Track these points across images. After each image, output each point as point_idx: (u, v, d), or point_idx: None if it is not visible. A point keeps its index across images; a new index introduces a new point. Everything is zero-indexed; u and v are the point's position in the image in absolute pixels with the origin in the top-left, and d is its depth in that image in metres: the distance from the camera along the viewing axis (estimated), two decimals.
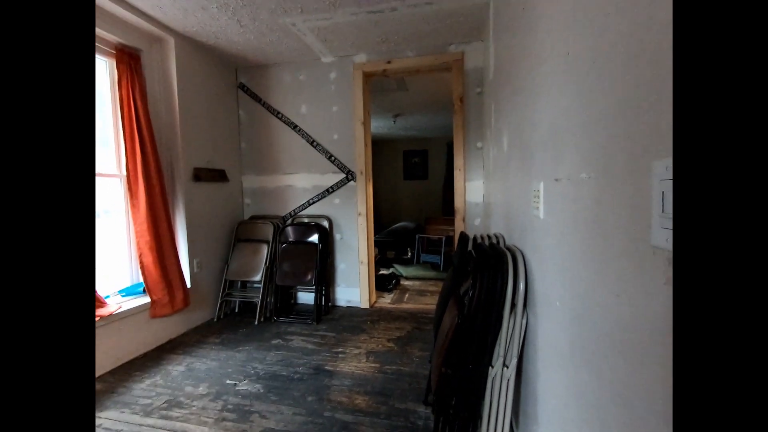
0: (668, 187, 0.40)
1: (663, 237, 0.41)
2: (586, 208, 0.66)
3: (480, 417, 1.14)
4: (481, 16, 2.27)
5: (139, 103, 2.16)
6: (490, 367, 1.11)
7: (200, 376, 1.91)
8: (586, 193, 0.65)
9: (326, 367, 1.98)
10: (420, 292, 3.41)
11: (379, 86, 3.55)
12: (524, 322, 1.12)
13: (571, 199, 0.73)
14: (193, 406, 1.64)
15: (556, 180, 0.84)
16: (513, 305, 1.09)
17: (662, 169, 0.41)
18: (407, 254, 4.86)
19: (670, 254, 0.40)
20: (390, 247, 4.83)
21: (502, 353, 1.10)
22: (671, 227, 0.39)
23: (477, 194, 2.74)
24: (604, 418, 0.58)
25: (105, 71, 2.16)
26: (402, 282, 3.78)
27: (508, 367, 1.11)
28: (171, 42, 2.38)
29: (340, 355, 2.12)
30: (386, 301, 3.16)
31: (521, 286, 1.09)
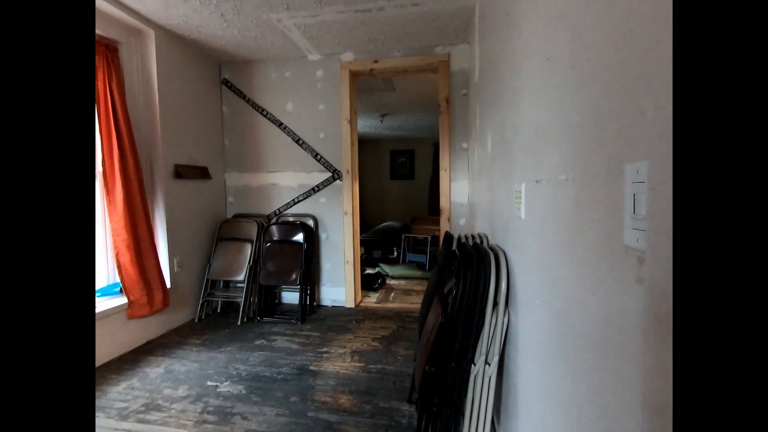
0: (640, 189, 0.42)
1: (634, 237, 0.43)
2: (564, 209, 0.68)
3: (462, 414, 1.15)
4: (466, 19, 2.29)
5: (116, 96, 2.09)
6: (473, 365, 1.13)
7: (180, 378, 1.87)
8: (565, 195, 0.67)
9: (310, 367, 1.96)
10: (406, 292, 3.42)
11: (366, 85, 3.54)
12: (506, 320, 1.14)
13: (551, 200, 0.75)
14: (172, 408, 1.60)
15: (537, 181, 0.86)
16: (495, 304, 1.11)
17: (633, 172, 0.43)
18: (393, 254, 4.87)
19: (641, 254, 0.42)
20: (376, 246, 4.84)
21: (484, 351, 1.12)
22: (643, 228, 0.41)
23: (462, 194, 2.77)
24: (579, 412, 0.60)
25: None
26: (388, 281, 3.79)
27: (490, 365, 1.13)
28: (151, 35, 2.31)
29: (324, 355, 2.10)
30: (372, 300, 3.16)
31: (503, 285, 1.11)
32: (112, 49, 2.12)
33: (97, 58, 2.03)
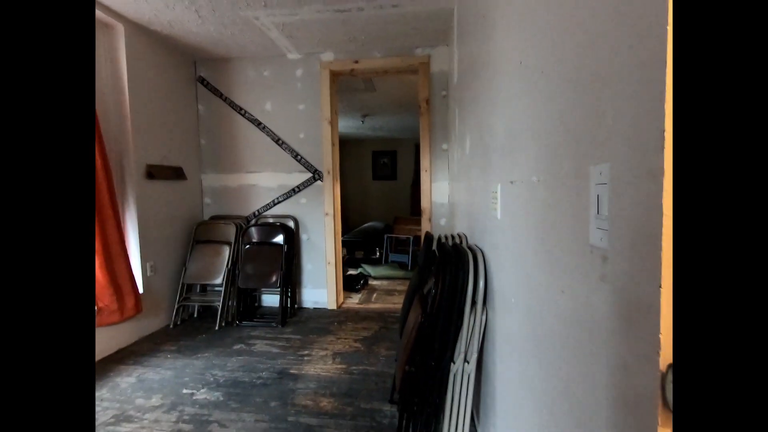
0: (603, 190, 0.43)
1: (598, 236, 0.44)
2: (536, 209, 0.70)
3: (443, 412, 1.17)
4: (445, 22, 2.32)
5: None
6: (452, 363, 1.14)
7: (153, 386, 1.80)
8: (537, 195, 0.69)
9: (291, 371, 1.93)
10: (388, 292, 3.43)
11: (347, 86, 3.53)
12: (484, 318, 1.16)
13: (524, 201, 0.77)
14: (144, 419, 1.54)
15: (511, 182, 0.88)
16: (473, 302, 1.13)
17: (597, 174, 0.45)
18: (376, 254, 4.87)
19: (604, 252, 0.44)
20: (358, 247, 4.82)
21: (463, 349, 1.14)
22: (606, 228, 0.43)
23: (443, 195, 2.81)
24: (551, 406, 0.62)
25: None
26: (370, 282, 3.79)
27: (468, 363, 1.14)
28: (120, 29, 2.21)
29: (305, 358, 2.08)
30: (354, 301, 3.15)
31: (481, 283, 1.13)
32: None
33: None
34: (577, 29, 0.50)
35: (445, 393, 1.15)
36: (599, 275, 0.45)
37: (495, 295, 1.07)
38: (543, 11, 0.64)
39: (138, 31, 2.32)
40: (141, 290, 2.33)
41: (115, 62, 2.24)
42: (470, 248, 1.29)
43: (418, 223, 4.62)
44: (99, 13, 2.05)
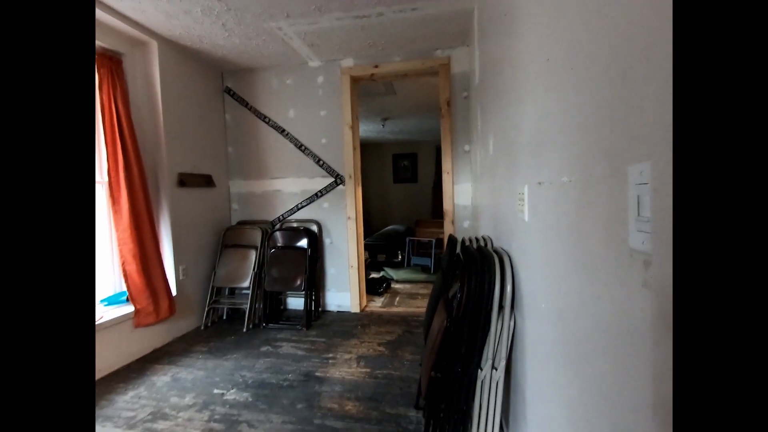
0: (644, 191, 0.41)
1: (639, 240, 0.42)
2: (567, 211, 0.67)
3: (470, 420, 1.14)
4: (466, 22, 2.30)
5: (120, 107, 2.12)
6: (479, 370, 1.12)
7: (186, 386, 1.87)
8: (568, 197, 0.66)
9: (316, 374, 1.95)
10: (411, 295, 3.41)
11: (367, 90, 3.56)
12: (512, 324, 1.13)
13: (554, 202, 0.75)
14: (179, 417, 1.60)
15: (539, 183, 0.85)
16: (501, 307, 1.10)
17: (637, 173, 0.42)
18: (398, 257, 4.86)
19: (647, 257, 0.41)
20: (380, 250, 4.83)
21: (490, 355, 1.11)
22: (648, 230, 0.40)
23: (465, 197, 2.76)
24: (590, 417, 0.59)
25: None
26: (392, 285, 3.78)
27: (497, 369, 1.11)
28: (154, 46, 2.34)
29: (330, 361, 2.10)
30: (377, 304, 3.15)
31: (508, 288, 1.10)
32: (115, 60, 2.15)
33: (101, 70, 2.07)
34: (611, 21, 0.48)
35: (472, 400, 1.13)
36: (641, 281, 0.42)
37: (523, 300, 1.04)
38: (570, 4, 0.62)
39: (170, 46, 2.45)
40: (174, 293, 2.44)
41: (150, 77, 2.37)
42: (496, 251, 1.26)
43: (440, 225, 4.57)
44: (134, 32, 2.18)
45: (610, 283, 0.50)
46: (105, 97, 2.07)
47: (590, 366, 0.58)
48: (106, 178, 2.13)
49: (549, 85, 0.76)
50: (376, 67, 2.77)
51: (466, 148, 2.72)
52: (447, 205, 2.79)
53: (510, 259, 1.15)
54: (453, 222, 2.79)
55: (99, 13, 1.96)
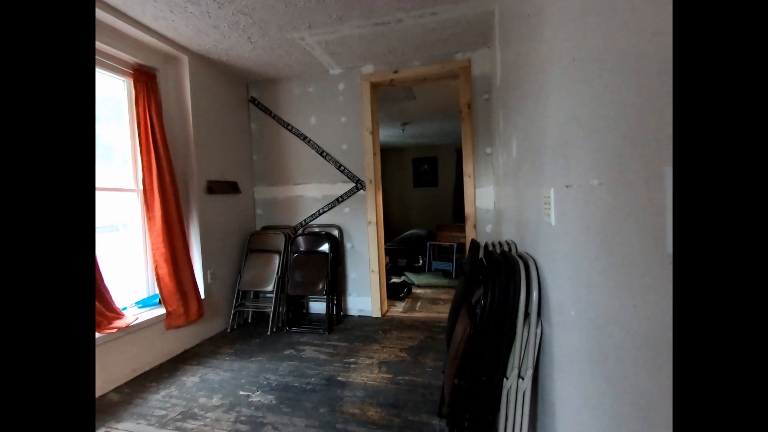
0: None
1: None
2: (598, 215, 0.64)
3: (496, 430, 1.10)
4: (486, 24, 2.27)
5: (155, 120, 2.24)
6: (505, 379, 1.08)
7: (214, 387, 1.93)
8: (598, 200, 0.64)
9: (338, 378, 1.96)
10: (432, 301, 3.37)
11: (386, 95, 3.58)
12: (539, 331, 1.09)
13: (583, 206, 0.72)
14: (207, 417, 1.65)
15: (567, 186, 0.82)
16: (527, 314, 1.07)
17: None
18: (418, 262, 4.82)
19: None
20: (401, 255, 4.81)
21: (516, 364, 1.07)
22: None
23: (487, 200, 2.71)
24: (623, 431, 0.56)
25: (123, 90, 2.25)
26: (414, 290, 3.75)
27: (523, 379, 1.07)
28: (185, 60, 2.46)
29: (352, 366, 2.10)
30: (398, 309, 3.13)
31: (534, 294, 1.07)
32: (150, 75, 2.28)
33: (138, 85, 2.20)
34: (642, 14, 0.46)
35: (498, 410, 1.09)
36: None
37: (551, 307, 1.00)
38: (597, 2, 0.60)
39: (199, 60, 2.58)
40: (203, 296, 2.53)
41: (181, 90, 2.50)
42: (521, 256, 1.22)
43: (461, 230, 4.50)
44: (167, 48, 2.31)
45: (647, 290, 0.48)
46: (141, 111, 2.19)
47: (625, 379, 0.55)
48: (141, 187, 2.25)
49: (576, 86, 0.74)
50: (396, 72, 2.78)
51: (488, 150, 2.68)
52: (468, 208, 2.75)
53: (536, 265, 1.11)
54: (475, 226, 2.74)
55: (137, 33, 2.09)
